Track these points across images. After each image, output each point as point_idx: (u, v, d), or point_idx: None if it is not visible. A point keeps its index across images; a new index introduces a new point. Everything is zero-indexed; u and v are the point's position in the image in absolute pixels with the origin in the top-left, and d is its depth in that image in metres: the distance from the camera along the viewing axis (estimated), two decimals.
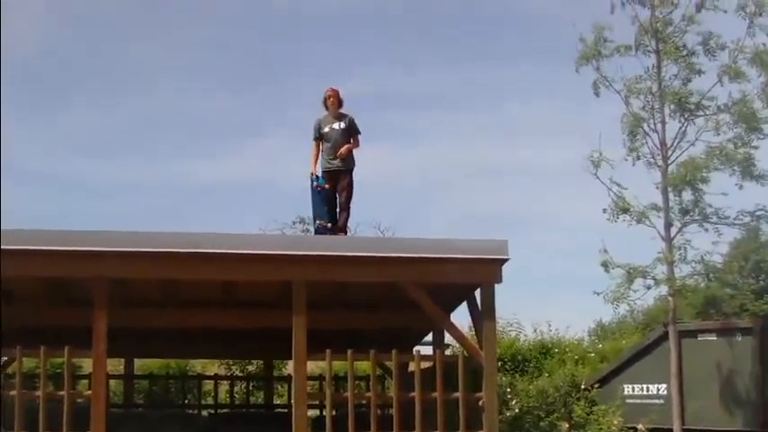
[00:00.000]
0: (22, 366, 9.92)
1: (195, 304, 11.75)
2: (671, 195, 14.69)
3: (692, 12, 14.85)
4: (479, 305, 10.50)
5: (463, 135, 48.05)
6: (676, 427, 14.71)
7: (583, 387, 17.58)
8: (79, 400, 10.23)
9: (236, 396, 19.86)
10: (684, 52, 14.74)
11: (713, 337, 15.41)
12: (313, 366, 11.32)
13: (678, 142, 14.89)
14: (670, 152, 14.88)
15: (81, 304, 10.41)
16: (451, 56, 49.24)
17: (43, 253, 9.58)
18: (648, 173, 14.98)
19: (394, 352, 10.16)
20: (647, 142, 14.94)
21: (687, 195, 14.52)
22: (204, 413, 18.26)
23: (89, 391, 10.10)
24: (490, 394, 10.09)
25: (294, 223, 24.17)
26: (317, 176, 11.81)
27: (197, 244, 9.87)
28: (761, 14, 14.59)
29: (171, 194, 46.41)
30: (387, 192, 37.48)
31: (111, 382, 15.78)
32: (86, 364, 13.91)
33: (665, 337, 15.51)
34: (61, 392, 9.81)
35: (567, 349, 21.09)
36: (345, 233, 11.85)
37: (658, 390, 15.97)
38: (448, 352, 13.68)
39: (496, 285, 10.26)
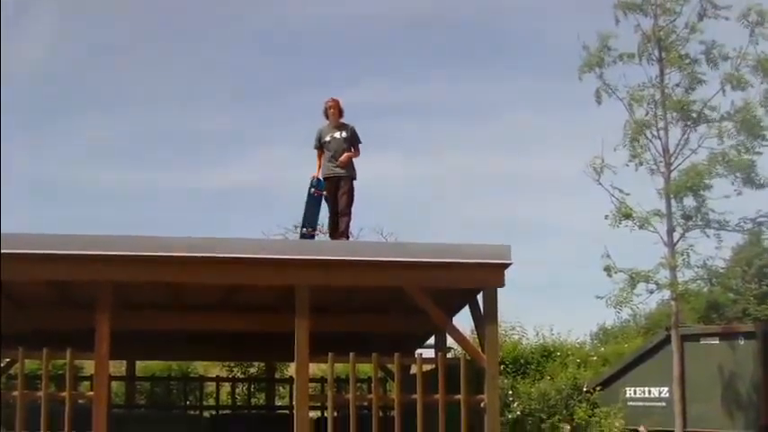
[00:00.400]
0: (25, 368, 9.97)
1: (198, 307, 11.79)
2: (673, 201, 14.71)
3: (694, 21, 14.87)
4: (482, 309, 10.53)
5: (469, 144, 48.17)
6: (678, 430, 14.72)
7: (585, 390, 17.60)
8: (81, 402, 10.27)
9: (238, 398, 19.89)
10: (687, 60, 14.75)
11: (715, 341, 15.41)
12: (315, 368, 11.35)
13: (681, 149, 14.92)
14: (672, 159, 14.90)
15: (84, 307, 10.45)
16: (458, 65, 49.32)
17: (48, 257, 9.62)
18: (651, 179, 15.02)
19: (396, 355, 10.18)
20: (649, 149, 14.97)
21: (689, 201, 14.54)
22: (206, 414, 18.31)
23: (91, 393, 10.14)
24: (492, 397, 10.12)
25: (296, 228, 24.16)
26: (318, 180, 11.90)
27: (200, 248, 9.91)
28: (762, 24, 14.60)
29: (174, 200, 46.49)
30: (394, 199, 37.57)
31: (113, 383, 15.83)
32: (88, 366, 13.95)
33: (667, 340, 15.52)
34: (63, 393, 9.86)
35: (570, 353, 21.06)
36: (347, 238, 11.90)
37: (660, 393, 15.97)
38: (450, 355, 13.70)
39: (499, 289, 10.31)
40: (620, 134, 14.95)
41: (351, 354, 10.10)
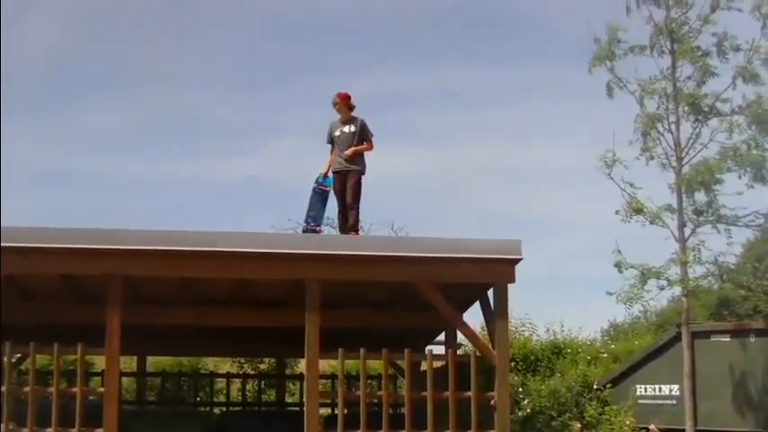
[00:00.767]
0: (36, 363, 9.98)
1: (208, 302, 11.79)
2: (684, 196, 14.64)
3: (706, 12, 14.79)
4: (492, 305, 10.50)
5: (481, 136, 48.07)
6: (689, 427, 14.66)
7: (595, 387, 17.53)
8: (92, 397, 10.28)
9: (248, 394, 19.90)
10: (699, 53, 14.67)
11: (726, 338, 15.33)
12: (325, 365, 11.34)
13: (692, 143, 14.85)
14: (684, 153, 14.83)
15: (94, 301, 10.45)
16: (470, 56, 49.21)
17: (57, 251, 9.63)
18: (662, 173, 14.96)
19: (406, 351, 10.16)
20: (660, 143, 14.90)
21: (701, 197, 14.47)
22: (216, 411, 18.32)
23: (102, 388, 10.14)
24: (502, 394, 10.09)
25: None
26: (323, 176, 12.00)
27: (210, 242, 9.91)
28: None
29: (184, 193, 46.54)
30: (405, 192, 37.53)
31: (124, 379, 15.86)
32: (99, 361, 13.96)
33: (678, 337, 15.45)
34: (74, 389, 9.86)
35: (580, 349, 20.99)
36: (357, 232, 11.90)
37: (671, 390, 15.90)
38: (460, 351, 13.67)
39: (509, 285, 10.27)
40: (631, 128, 14.93)
41: (361, 350, 10.09)
